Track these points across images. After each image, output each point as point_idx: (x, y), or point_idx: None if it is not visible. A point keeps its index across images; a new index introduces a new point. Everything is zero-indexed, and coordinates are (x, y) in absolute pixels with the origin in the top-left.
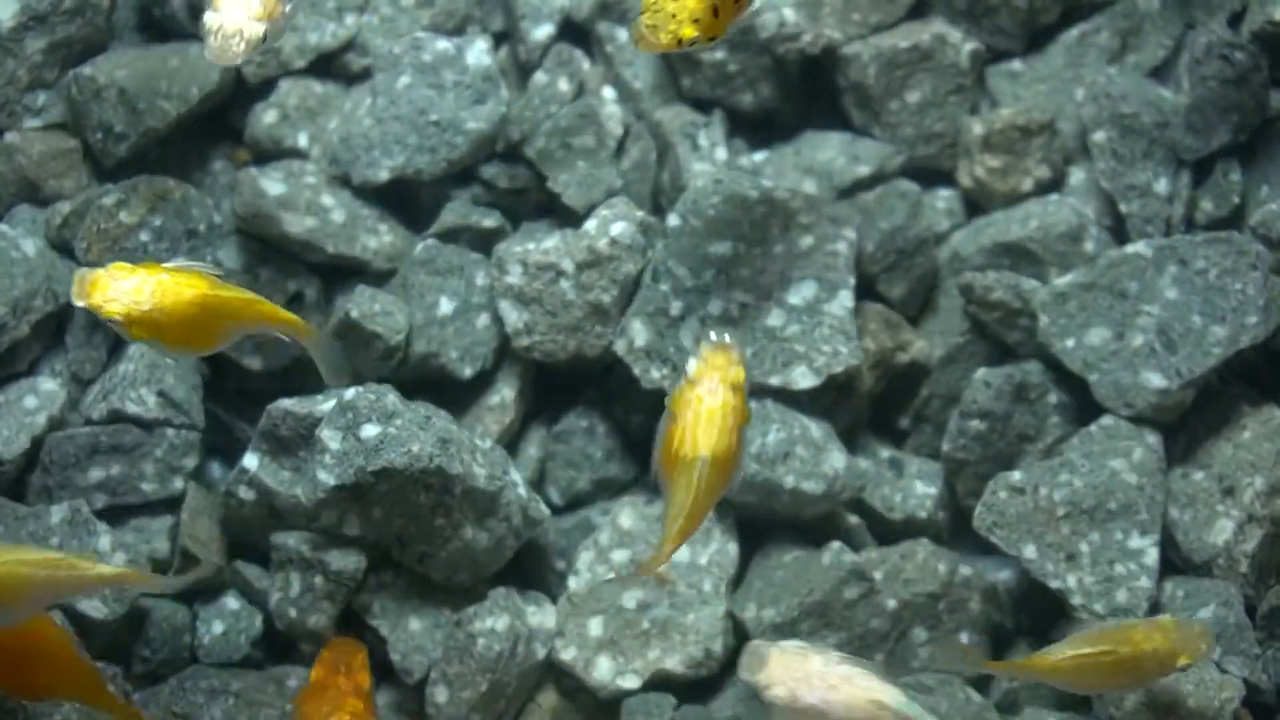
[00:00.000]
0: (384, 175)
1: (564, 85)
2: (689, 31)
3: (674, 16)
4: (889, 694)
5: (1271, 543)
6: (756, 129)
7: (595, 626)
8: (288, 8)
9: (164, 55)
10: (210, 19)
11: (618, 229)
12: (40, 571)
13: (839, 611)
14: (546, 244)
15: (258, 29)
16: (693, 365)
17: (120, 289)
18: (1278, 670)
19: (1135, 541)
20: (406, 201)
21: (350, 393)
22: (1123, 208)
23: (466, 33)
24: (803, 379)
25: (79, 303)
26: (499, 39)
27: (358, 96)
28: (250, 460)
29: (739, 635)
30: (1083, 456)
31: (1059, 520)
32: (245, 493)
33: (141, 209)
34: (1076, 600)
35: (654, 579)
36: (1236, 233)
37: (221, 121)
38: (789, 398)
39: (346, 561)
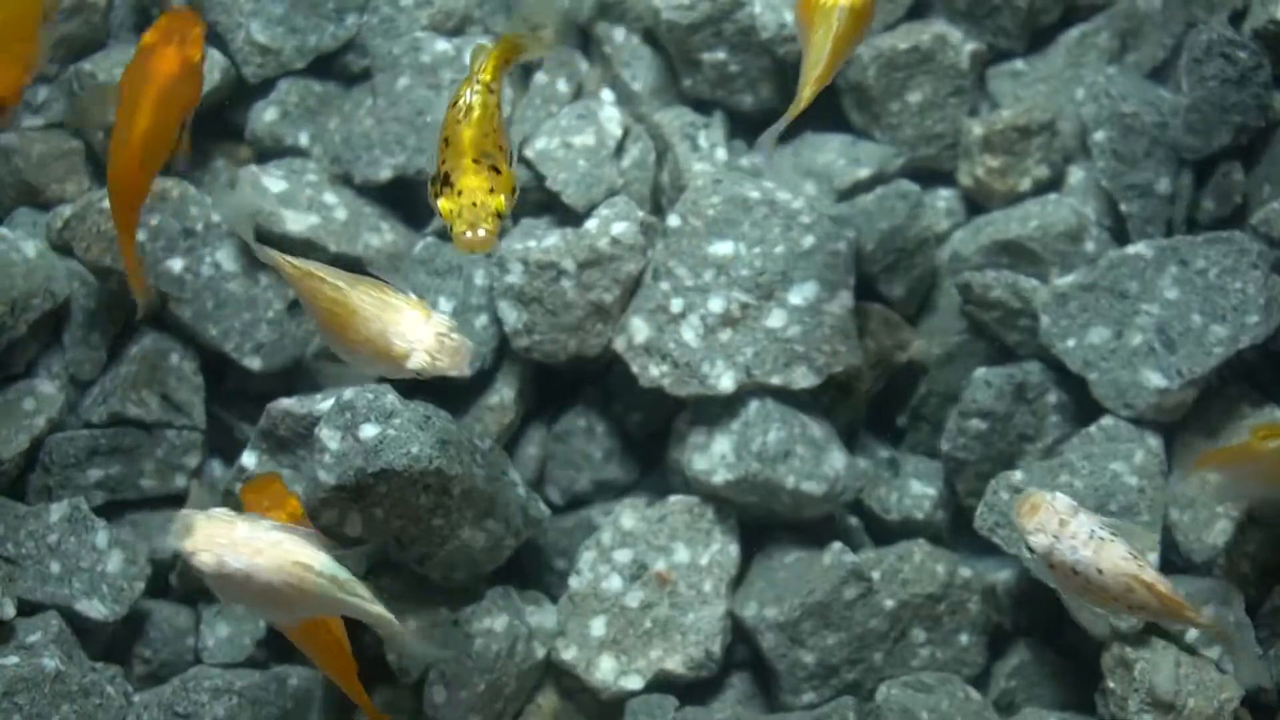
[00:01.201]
0: (385, 174)
1: (563, 86)
2: (499, 205)
3: (474, 205)
4: (316, 557)
5: (1272, 543)
6: (756, 130)
7: (597, 626)
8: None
9: None
10: (419, 361)
11: (619, 228)
12: None
13: (839, 611)
14: (547, 243)
15: (442, 319)
16: None
17: None
18: (1279, 670)
19: None
20: (407, 200)
21: (349, 392)
22: (1123, 208)
23: (466, 33)
24: (803, 379)
25: None
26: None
27: (358, 96)
28: (249, 459)
29: (740, 636)
30: (1083, 458)
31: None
32: None
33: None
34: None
35: (654, 578)
36: (1238, 232)
37: (222, 120)
38: (789, 397)
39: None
